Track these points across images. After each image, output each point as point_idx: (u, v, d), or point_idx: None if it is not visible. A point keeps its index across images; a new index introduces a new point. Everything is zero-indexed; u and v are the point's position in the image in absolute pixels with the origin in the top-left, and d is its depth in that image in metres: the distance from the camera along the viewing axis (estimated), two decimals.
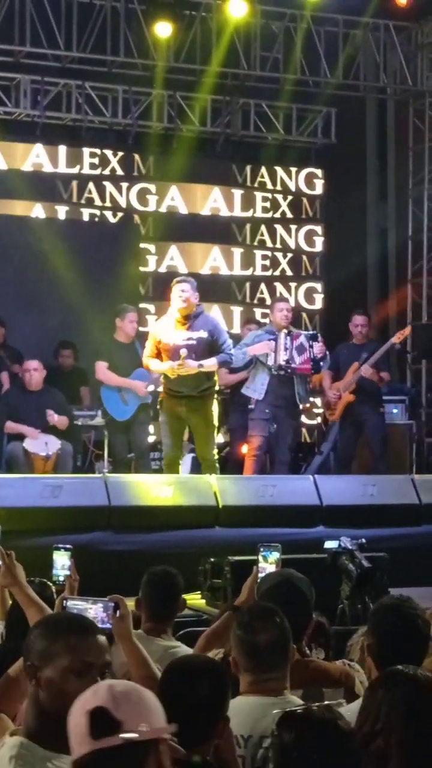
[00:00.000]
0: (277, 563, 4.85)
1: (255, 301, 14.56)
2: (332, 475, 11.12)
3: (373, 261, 14.71)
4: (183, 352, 9.16)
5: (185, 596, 5.34)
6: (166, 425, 9.46)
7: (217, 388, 9.69)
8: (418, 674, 2.84)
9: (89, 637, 2.78)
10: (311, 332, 10.46)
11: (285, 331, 10.19)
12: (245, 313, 14.21)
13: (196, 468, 11.47)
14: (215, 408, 9.48)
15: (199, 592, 7.61)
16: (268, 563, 4.86)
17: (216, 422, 9.56)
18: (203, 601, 7.57)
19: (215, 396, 9.55)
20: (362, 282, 14.49)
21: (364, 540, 6.86)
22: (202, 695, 3.17)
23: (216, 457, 9.63)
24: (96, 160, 13.97)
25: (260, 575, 4.78)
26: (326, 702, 2.61)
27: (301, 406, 10.42)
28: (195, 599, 7.42)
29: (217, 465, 9.58)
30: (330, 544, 6.81)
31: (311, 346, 10.09)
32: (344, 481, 10.21)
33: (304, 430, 13.28)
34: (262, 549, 4.88)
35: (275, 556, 4.86)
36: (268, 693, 3.57)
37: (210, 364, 9.31)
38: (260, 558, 4.85)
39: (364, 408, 10.92)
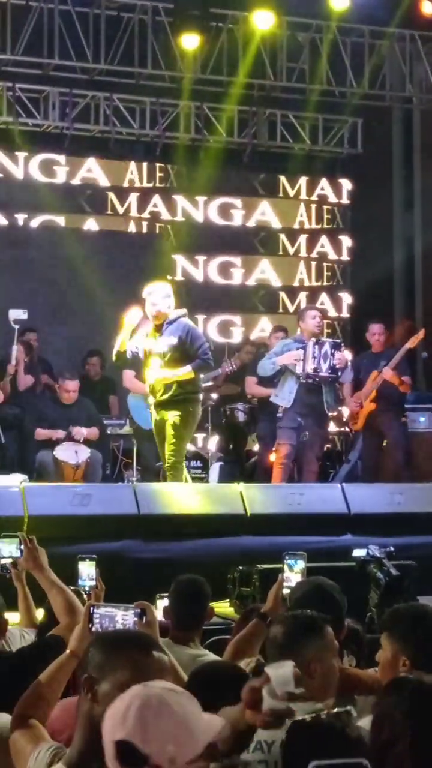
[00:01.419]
0: (303, 571, 4.86)
1: (280, 310, 14.62)
2: (360, 483, 11.14)
3: (400, 269, 14.72)
4: (159, 362, 9.16)
5: (213, 604, 5.38)
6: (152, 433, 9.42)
7: (201, 395, 9.57)
8: (424, 680, 2.88)
9: (151, 655, 2.71)
10: (336, 341, 10.46)
11: (314, 339, 10.21)
12: (271, 321, 14.26)
13: (225, 475, 11.54)
14: (192, 414, 9.25)
15: (227, 600, 7.64)
16: (293, 572, 4.88)
17: (187, 429, 9.31)
18: (232, 609, 7.61)
19: (197, 402, 9.36)
20: (389, 290, 14.49)
21: (392, 548, 6.88)
22: (226, 703, 3.20)
23: (176, 461, 9.29)
24: (127, 172, 14.10)
25: (285, 584, 4.80)
26: (335, 710, 2.64)
27: (329, 414, 10.42)
28: (223, 607, 7.45)
29: (182, 468, 9.34)
30: (358, 553, 6.82)
31: (332, 354, 10.12)
32: (372, 489, 10.22)
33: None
34: (287, 557, 4.89)
35: (301, 564, 4.87)
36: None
37: (184, 372, 9.21)
38: (285, 566, 4.87)
39: (386, 417, 10.91)
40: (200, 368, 9.30)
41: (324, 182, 15.12)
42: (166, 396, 9.15)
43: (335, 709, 2.76)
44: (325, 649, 3.59)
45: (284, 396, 10.23)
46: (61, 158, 13.79)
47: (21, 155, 13.59)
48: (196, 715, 2.17)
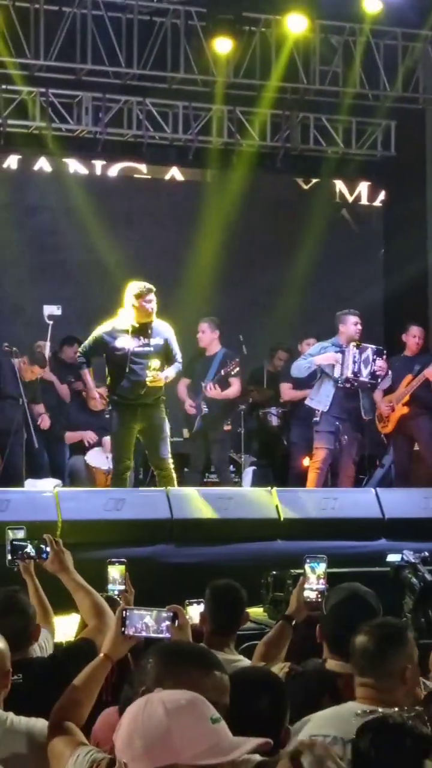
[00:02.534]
0: (324, 574, 4.88)
1: None
2: (394, 487, 11.09)
3: None
4: (155, 363, 9.14)
5: (247, 609, 5.36)
6: (118, 435, 9.31)
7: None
8: None
9: (213, 674, 2.68)
10: (378, 347, 10.40)
11: (354, 344, 10.15)
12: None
13: (258, 480, 11.51)
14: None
15: (261, 605, 7.62)
16: (315, 574, 4.89)
17: (168, 430, 9.43)
18: (265, 614, 7.59)
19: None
20: (422, 293, 14.42)
21: (427, 553, 6.86)
22: (261, 708, 3.19)
23: (173, 465, 9.43)
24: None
25: (306, 586, 4.82)
26: (407, 708, 2.64)
27: (366, 419, 10.36)
28: (257, 612, 7.43)
29: (174, 474, 9.39)
30: (393, 558, 6.81)
31: (374, 361, 10.07)
32: (406, 493, 10.18)
33: None
34: (308, 560, 4.91)
35: (322, 567, 4.89)
36: (375, 704, 3.56)
37: (172, 374, 9.30)
38: (307, 569, 4.88)
39: (418, 421, 10.86)
40: (178, 372, 9.43)
41: (357, 185, 15.09)
42: (154, 398, 9.21)
43: (406, 708, 2.75)
44: (413, 655, 3.63)
45: (321, 400, 10.19)
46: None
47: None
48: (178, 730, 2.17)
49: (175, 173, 14.60)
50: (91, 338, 9.37)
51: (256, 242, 14.34)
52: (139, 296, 9.13)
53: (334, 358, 10.09)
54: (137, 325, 9.14)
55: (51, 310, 11.34)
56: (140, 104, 13.65)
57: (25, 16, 12.32)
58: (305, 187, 15.20)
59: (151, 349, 9.15)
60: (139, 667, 2.79)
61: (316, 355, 10.22)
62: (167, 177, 14.56)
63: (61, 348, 11.84)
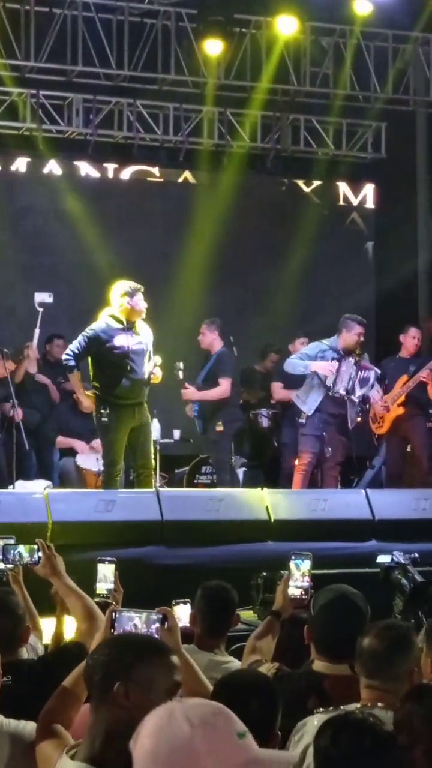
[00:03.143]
0: (308, 571, 4.90)
1: None
2: (384, 489, 11.10)
3: (424, 274, 14.67)
4: (157, 359, 9.24)
5: (237, 611, 5.37)
6: (115, 437, 9.22)
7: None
8: None
9: (173, 657, 2.79)
10: (380, 372, 10.45)
11: (354, 359, 10.13)
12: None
13: (249, 481, 11.52)
14: None
15: (251, 606, 7.62)
16: (299, 572, 4.91)
17: None
18: (255, 615, 7.59)
19: None
20: (413, 295, 14.45)
21: (417, 554, 6.86)
22: (252, 712, 3.19)
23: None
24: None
25: (291, 582, 4.84)
26: (369, 705, 2.65)
27: (351, 426, 10.37)
28: (247, 613, 7.43)
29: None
30: (383, 559, 6.81)
31: (372, 386, 10.15)
32: (396, 495, 10.20)
33: None
34: (293, 557, 4.93)
35: (307, 564, 4.92)
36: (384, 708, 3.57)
37: (160, 375, 9.34)
38: (292, 566, 4.91)
39: (413, 422, 10.88)
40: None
41: (347, 187, 15.14)
42: (145, 397, 9.22)
43: (368, 705, 2.76)
44: (419, 658, 3.65)
45: (306, 401, 10.18)
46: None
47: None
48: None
49: (165, 175, 14.61)
50: (82, 339, 9.22)
51: (248, 243, 14.34)
52: (131, 295, 9.12)
53: (330, 369, 10.06)
54: (128, 324, 9.14)
55: (42, 297, 11.32)
56: (131, 106, 13.65)
57: (15, 17, 12.33)
58: (296, 188, 15.20)
59: (144, 346, 9.18)
60: (93, 662, 2.79)
61: (313, 357, 10.19)
62: (158, 179, 14.56)
63: (49, 345, 11.84)
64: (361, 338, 10.26)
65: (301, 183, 15.18)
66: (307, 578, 4.88)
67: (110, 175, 14.34)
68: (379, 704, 3.46)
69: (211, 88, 13.38)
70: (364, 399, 10.26)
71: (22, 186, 13.85)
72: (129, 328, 9.15)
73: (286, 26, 12.73)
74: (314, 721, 3.48)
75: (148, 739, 2.09)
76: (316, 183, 15.07)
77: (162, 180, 14.58)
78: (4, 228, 13.41)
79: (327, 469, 10.35)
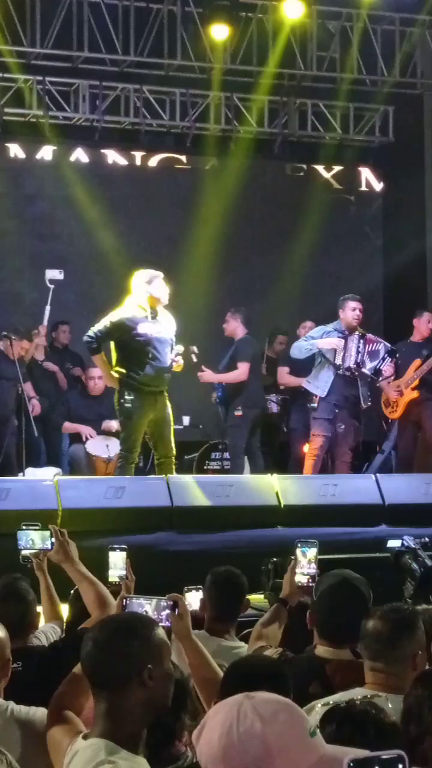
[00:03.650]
0: (315, 558, 4.90)
1: None
2: (394, 473, 11.09)
3: None
4: (179, 348, 9.28)
5: (247, 596, 5.37)
6: (137, 423, 9.20)
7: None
8: None
9: (155, 633, 2.91)
10: (391, 348, 10.39)
11: (358, 333, 10.13)
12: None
13: (258, 467, 11.51)
14: None
15: (261, 591, 7.62)
16: (306, 558, 4.91)
17: None
18: (266, 600, 7.59)
19: None
20: (421, 277, 14.41)
21: (427, 539, 6.86)
22: None
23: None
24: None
25: (297, 570, 4.84)
26: (369, 696, 2.64)
27: (363, 406, 10.35)
28: (257, 599, 7.43)
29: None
30: (393, 543, 6.81)
31: (383, 359, 10.10)
32: (406, 479, 10.19)
33: None
34: (299, 544, 4.93)
35: (313, 551, 4.92)
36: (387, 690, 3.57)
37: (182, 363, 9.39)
38: (298, 553, 4.91)
39: (425, 406, 10.86)
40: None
41: (355, 171, 15.10)
42: (166, 386, 9.27)
43: (369, 695, 2.75)
44: (423, 641, 3.64)
45: (319, 385, 10.16)
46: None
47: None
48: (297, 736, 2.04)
49: (172, 160, 14.57)
50: (107, 323, 9.19)
51: (255, 228, 14.32)
52: (149, 282, 9.20)
53: (337, 343, 10.07)
54: (152, 312, 9.15)
55: (53, 274, 11.34)
56: (137, 91, 13.61)
57: (21, 3, 12.29)
58: (303, 173, 15.16)
59: (166, 335, 9.21)
60: (118, 651, 2.82)
61: (318, 338, 10.20)
62: (165, 164, 14.53)
63: (55, 332, 11.85)
64: (358, 312, 10.24)
65: (308, 167, 15.12)
66: (313, 565, 4.88)
67: (119, 161, 14.30)
68: (380, 693, 3.45)
69: (217, 73, 13.34)
70: (377, 372, 10.20)
71: (28, 172, 13.83)
72: (153, 316, 9.19)
73: (292, 10, 12.67)
74: (317, 707, 3.48)
75: (218, 734, 2.04)
76: (324, 167, 15.02)
77: (169, 165, 14.54)
78: (12, 215, 13.40)
79: (339, 455, 10.33)
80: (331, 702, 3.59)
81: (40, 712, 3.47)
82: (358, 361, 10.05)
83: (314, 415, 10.28)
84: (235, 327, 11.11)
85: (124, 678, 2.80)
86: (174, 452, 9.39)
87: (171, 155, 14.54)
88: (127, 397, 9.09)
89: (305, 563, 4.89)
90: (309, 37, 13.43)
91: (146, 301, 9.16)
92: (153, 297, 9.16)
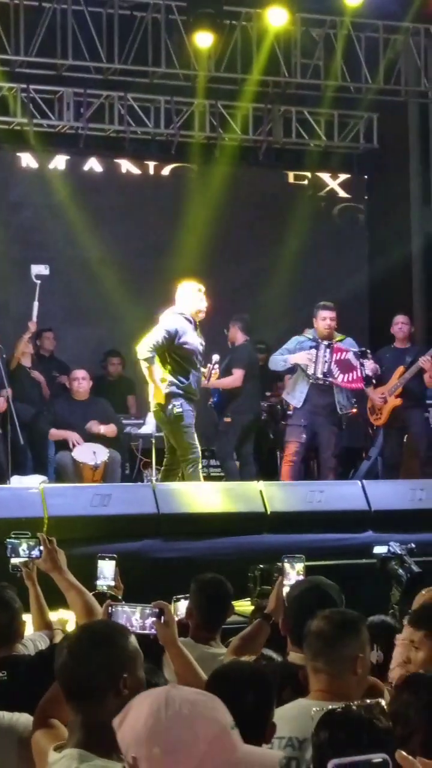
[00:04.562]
0: (302, 571, 4.92)
1: None
2: (380, 480, 11.10)
3: (418, 264, 14.69)
4: (216, 357, 9.53)
5: (234, 603, 5.37)
6: (192, 430, 9.34)
7: None
8: None
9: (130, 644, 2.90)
10: (360, 349, 10.37)
11: (326, 342, 10.17)
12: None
13: (245, 474, 11.53)
14: None
15: (248, 598, 7.62)
16: (294, 571, 4.93)
17: None
18: (253, 607, 7.58)
19: None
20: (407, 286, 14.45)
21: (413, 544, 6.86)
22: (247, 704, 3.19)
23: None
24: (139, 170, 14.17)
25: (285, 582, 4.86)
26: (368, 701, 2.64)
27: (342, 414, 10.37)
28: (245, 606, 7.43)
29: None
30: (379, 549, 6.80)
31: (362, 365, 10.11)
32: (392, 485, 10.20)
33: None
34: (286, 560, 4.95)
35: (299, 566, 4.93)
36: (326, 698, 3.57)
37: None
38: (286, 566, 4.93)
39: (410, 413, 10.90)
40: None
41: (340, 178, 15.15)
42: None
43: (367, 701, 2.76)
44: (366, 648, 3.63)
45: (295, 395, 10.26)
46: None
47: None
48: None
49: (157, 168, 14.59)
50: (163, 334, 9.18)
51: (240, 235, 14.34)
52: (198, 295, 9.36)
53: (307, 357, 10.12)
54: (195, 324, 9.35)
55: (39, 269, 11.35)
56: (122, 99, 13.63)
57: (4, 11, 12.29)
58: (288, 180, 15.21)
59: (203, 347, 9.39)
60: (91, 663, 2.81)
61: (292, 350, 10.25)
62: (150, 172, 14.54)
63: (39, 339, 11.85)
64: (330, 322, 10.27)
65: (292, 174, 15.17)
66: (300, 576, 4.89)
67: (103, 169, 14.31)
68: (328, 704, 3.46)
69: (202, 81, 13.35)
70: (368, 380, 10.24)
71: (13, 180, 13.84)
72: (195, 327, 9.34)
73: (276, 18, 12.69)
74: (311, 711, 3.49)
75: (145, 717, 2.08)
76: (308, 174, 15.07)
77: (154, 173, 14.55)
78: None
79: (324, 460, 10.37)
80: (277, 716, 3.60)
81: (24, 718, 3.47)
82: (324, 371, 10.09)
83: (287, 422, 10.40)
84: (235, 333, 11.31)
85: (101, 689, 2.78)
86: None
87: (156, 163, 14.55)
88: (175, 403, 9.18)
89: (293, 575, 4.90)
90: (293, 45, 13.45)
91: (193, 312, 9.27)
92: (199, 310, 9.29)
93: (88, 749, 2.72)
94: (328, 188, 15.30)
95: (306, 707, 3.49)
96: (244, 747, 2.11)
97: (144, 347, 9.18)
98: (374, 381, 10.50)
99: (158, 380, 9.21)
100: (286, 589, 4.81)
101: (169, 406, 9.19)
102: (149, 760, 2.04)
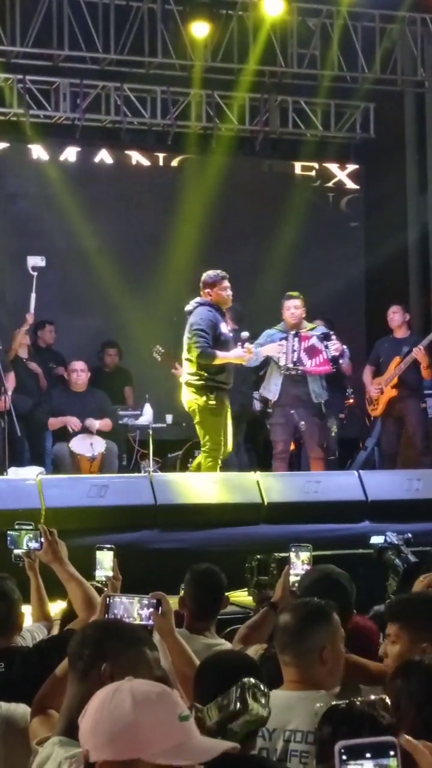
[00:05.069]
0: (309, 561, 4.93)
1: None
2: (377, 470, 11.12)
3: (414, 253, 14.69)
4: (247, 341, 9.53)
5: (232, 593, 5.38)
6: (221, 421, 9.43)
7: None
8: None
9: (156, 653, 2.87)
10: (323, 332, 10.36)
11: (293, 331, 10.16)
12: None
13: (242, 465, 11.55)
14: None
15: (245, 589, 7.64)
16: (299, 560, 4.94)
17: None
18: (250, 598, 7.60)
19: None
20: (403, 275, 14.46)
21: (410, 534, 6.87)
22: None
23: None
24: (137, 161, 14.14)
25: (291, 572, 4.88)
26: (372, 697, 2.65)
27: (318, 402, 10.31)
28: (242, 596, 7.45)
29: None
30: (376, 540, 6.81)
31: (326, 347, 10.07)
32: (389, 475, 10.22)
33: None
34: (293, 549, 4.97)
35: (306, 554, 4.94)
36: (298, 687, 3.60)
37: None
38: (292, 556, 4.94)
39: (406, 403, 10.91)
40: None
41: (336, 168, 15.14)
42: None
43: (372, 697, 2.77)
44: (336, 636, 3.64)
45: (271, 389, 10.24)
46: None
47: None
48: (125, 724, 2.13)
49: (154, 158, 14.57)
50: (206, 326, 9.34)
51: (236, 225, 14.33)
52: (220, 283, 9.44)
53: (277, 349, 10.10)
54: (222, 312, 9.44)
55: (35, 261, 11.35)
56: (118, 90, 13.60)
57: (0, 2, 12.26)
58: (285, 170, 15.20)
59: (232, 333, 9.43)
60: (84, 638, 2.82)
61: (263, 344, 10.23)
62: (147, 162, 14.53)
63: (40, 330, 11.86)
64: (295, 311, 10.24)
65: (289, 164, 15.16)
66: (306, 566, 4.91)
67: (100, 159, 14.30)
68: (300, 694, 3.48)
69: (198, 71, 13.33)
70: (335, 360, 10.25)
71: (10, 171, 13.82)
72: (223, 316, 9.45)
73: (272, 7, 12.67)
74: (315, 707, 3.51)
75: (92, 712, 2.16)
76: (305, 164, 15.06)
77: (150, 163, 14.54)
78: None
79: (309, 452, 10.40)
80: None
81: (20, 709, 3.48)
82: (294, 360, 10.08)
83: (269, 422, 10.42)
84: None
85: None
86: (231, 449, 9.63)
87: (152, 153, 14.54)
88: (210, 395, 9.31)
89: (299, 564, 4.92)
90: (289, 35, 13.44)
91: (218, 301, 9.42)
92: (224, 296, 9.43)
93: (71, 737, 2.74)
94: (334, 179, 15.27)
95: (277, 698, 3.49)
96: (197, 737, 2.16)
97: (208, 349, 9.25)
98: (342, 361, 10.50)
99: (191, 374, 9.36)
100: (292, 579, 4.84)
101: (203, 398, 9.26)
102: (94, 752, 2.11)
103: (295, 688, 3.57)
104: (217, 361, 9.28)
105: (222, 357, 9.28)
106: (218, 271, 9.59)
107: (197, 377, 9.36)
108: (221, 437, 9.39)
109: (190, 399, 9.39)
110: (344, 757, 1.94)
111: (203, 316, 9.36)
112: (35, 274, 11.19)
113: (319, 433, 10.39)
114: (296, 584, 4.82)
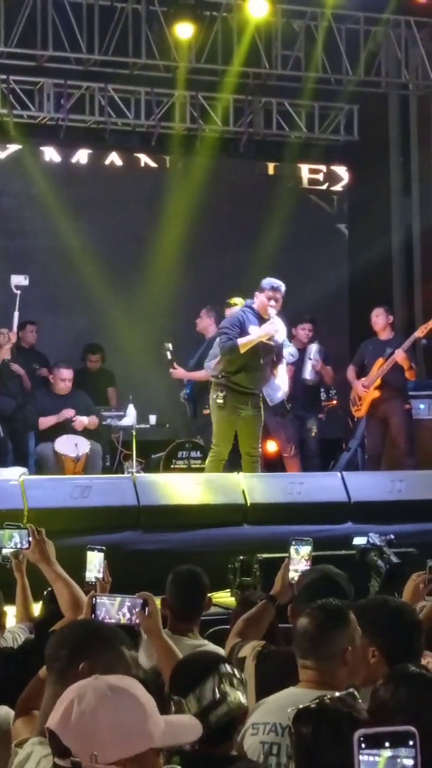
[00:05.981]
0: (308, 556, 4.95)
1: None
2: (360, 471, 11.14)
3: (398, 256, 14.73)
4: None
5: (215, 594, 5.38)
6: (227, 420, 9.47)
7: None
8: (423, 672, 2.90)
9: (134, 654, 2.94)
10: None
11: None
12: None
13: (225, 466, 11.56)
14: None
15: (228, 590, 7.65)
16: (299, 556, 4.96)
17: None
18: (233, 599, 7.61)
19: None
20: (387, 277, 14.48)
21: (392, 536, 6.89)
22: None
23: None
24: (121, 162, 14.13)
25: (291, 567, 4.89)
26: (337, 694, 2.66)
27: (271, 404, 10.33)
28: (225, 597, 7.46)
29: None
30: (358, 541, 6.84)
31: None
32: (372, 477, 10.25)
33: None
34: (294, 543, 4.99)
35: (307, 549, 4.97)
36: (315, 687, 3.59)
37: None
38: (292, 551, 4.97)
39: (390, 404, 10.95)
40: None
41: (320, 170, 15.16)
42: (261, 389, 9.69)
43: (337, 693, 2.77)
44: (355, 635, 3.65)
45: None
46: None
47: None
48: (136, 717, 2.15)
49: (138, 159, 14.57)
50: (229, 324, 9.50)
51: (221, 227, 14.34)
52: (268, 293, 9.45)
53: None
54: (262, 319, 9.44)
55: (18, 280, 11.34)
56: (102, 90, 13.59)
57: None
58: (269, 171, 15.22)
59: (273, 342, 9.47)
60: (62, 638, 2.82)
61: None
62: (131, 163, 14.52)
63: (22, 331, 11.83)
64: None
65: (273, 166, 15.18)
66: (306, 562, 4.93)
67: (84, 159, 14.29)
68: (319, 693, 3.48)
69: (182, 72, 13.32)
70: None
71: None
72: (262, 321, 9.41)
73: (257, 9, 12.68)
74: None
75: (60, 708, 2.17)
76: (289, 165, 15.08)
77: (134, 164, 14.53)
78: None
79: (284, 452, 10.44)
80: (268, 702, 3.62)
81: (3, 711, 3.48)
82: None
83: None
84: (208, 325, 11.27)
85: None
86: (259, 452, 9.70)
87: (136, 154, 14.54)
88: (219, 393, 9.47)
89: (298, 560, 4.95)
90: (274, 36, 13.44)
91: (261, 308, 9.51)
92: (263, 306, 9.53)
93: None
94: (316, 179, 15.30)
95: (295, 695, 3.51)
96: (177, 717, 2.25)
97: (229, 342, 9.35)
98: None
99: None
100: (291, 573, 4.86)
101: (214, 395, 9.46)
102: (103, 755, 2.11)
103: (312, 688, 3.54)
104: (242, 348, 9.32)
105: (244, 342, 9.33)
106: (274, 281, 9.68)
107: (216, 376, 9.61)
108: (224, 436, 9.45)
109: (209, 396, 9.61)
110: (363, 746, 1.94)
111: (232, 315, 9.65)
112: (18, 292, 11.16)
113: (285, 429, 10.47)
114: (294, 579, 4.84)
